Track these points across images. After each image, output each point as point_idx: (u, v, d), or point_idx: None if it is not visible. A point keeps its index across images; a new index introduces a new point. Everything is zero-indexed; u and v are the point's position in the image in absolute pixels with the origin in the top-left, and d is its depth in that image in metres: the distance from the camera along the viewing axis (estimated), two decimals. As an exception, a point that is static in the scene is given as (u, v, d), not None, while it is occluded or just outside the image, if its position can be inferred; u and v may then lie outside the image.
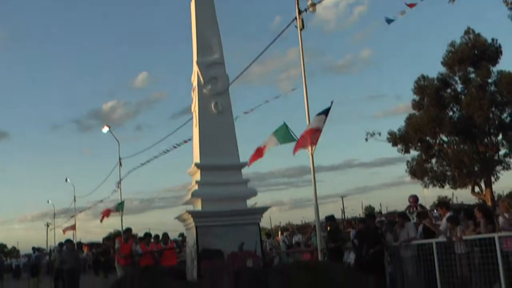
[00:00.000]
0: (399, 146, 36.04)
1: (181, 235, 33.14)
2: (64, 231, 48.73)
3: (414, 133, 34.63)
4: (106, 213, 35.27)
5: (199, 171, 12.67)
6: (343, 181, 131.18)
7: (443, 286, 12.37)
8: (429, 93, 34.87)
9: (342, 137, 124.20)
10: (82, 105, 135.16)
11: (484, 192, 34.35)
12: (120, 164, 34.46)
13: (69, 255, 19.27)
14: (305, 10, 15.22)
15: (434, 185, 36.07)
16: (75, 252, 21.41)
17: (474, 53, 34.34)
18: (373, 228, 14.96)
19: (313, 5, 14.98)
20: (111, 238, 60.36)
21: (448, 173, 35.66)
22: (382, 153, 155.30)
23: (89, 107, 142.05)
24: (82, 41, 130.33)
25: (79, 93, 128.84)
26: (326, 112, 15.57)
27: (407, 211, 16.98)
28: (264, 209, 12.83)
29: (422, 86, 35.42)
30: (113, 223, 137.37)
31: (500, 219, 11.64)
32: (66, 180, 54.59)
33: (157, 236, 18.67)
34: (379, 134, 36.26)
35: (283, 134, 16.76)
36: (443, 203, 15.88)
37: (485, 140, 34.75)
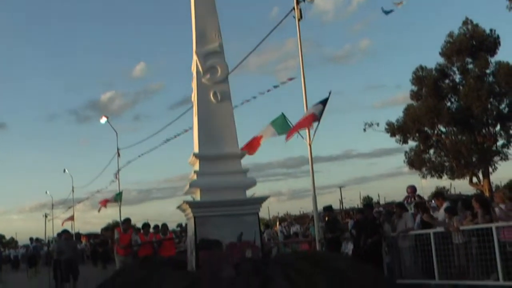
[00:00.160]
0: (397, 137, 36.08)
1: (179, 225, 33.21)
2: (62, 223, 48.86)
3: (412, 123, 34.65)
4: (104, 203, 35.33)
5: (198, 161, 12.66)
6: (341, 172, 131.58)
7: (440, 276, 12.42)
8: (427, 84, 34.85)
9: (341, 127, 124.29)
10: (80, 95, 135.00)
11: (482, 183, 34.43)
12: (118, 155, 34.49)
13: (66, 246, 19.25)
14: (303, 0, 15.20)
15: (432, 176, 36.14)
16: (72, 242, 21.37)
17: (473, 43, 34.30)
18: (371, 218, 15.00)
19: (311, -5, 14.94)
20: (109, 228, 60.42)
21: (446, 163, 35.70)
22: (380, 143, 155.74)
23: (87, 97, 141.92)
24: (80, 32, 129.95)
25: (76, 84, 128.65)
26: (324, 102, 15.59)
27: (405, 202, 17.03)
28: (263, 198, 12.76)
29: (420, 77, 35.41)
30: (112, 214, 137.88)
31: (497, 209, 11.67)
32: (64, 171, 54.66)
33: (156, 226, 18.66)
34: (377, 124, 36.33)
35: (281, 124, 16.77)
36: (439, 194, 15.93)
37: (483, 130, 34.77)
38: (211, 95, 12.83)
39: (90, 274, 24.50)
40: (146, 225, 18.23)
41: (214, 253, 11.79)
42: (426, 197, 18.82)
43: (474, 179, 35.03)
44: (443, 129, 35.84)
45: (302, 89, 16.09)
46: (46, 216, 62.60)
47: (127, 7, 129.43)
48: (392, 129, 35.86)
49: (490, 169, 34.93)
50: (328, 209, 17.66)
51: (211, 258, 11.70)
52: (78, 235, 49.67)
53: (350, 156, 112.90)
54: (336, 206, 42.28)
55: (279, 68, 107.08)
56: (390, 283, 11.85)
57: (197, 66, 13.00)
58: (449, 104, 35.40)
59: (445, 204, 13.67)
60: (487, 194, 30.47)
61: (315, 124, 15.47)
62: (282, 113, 16.96)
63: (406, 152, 36.89)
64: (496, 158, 34.94)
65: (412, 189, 18.21)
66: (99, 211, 36.75)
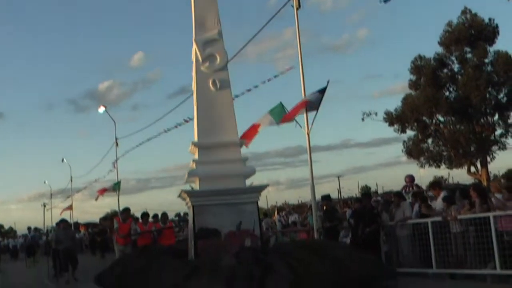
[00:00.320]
0: (396, 126, 36.05)
1: (177, 215, 33.25)
2: (61, 212, 48.86)
3: (410, 113, 34.62)
4: (102, 192, 35.38)
5: (197, 150, 12.64)
6: (339, 161, 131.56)
7: (438, 265, 12.47)
8: (426, 73, 34.80)
9: (339, 117, 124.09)
10: (77, 85, 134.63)
11: (480, 172, 34.46)
12: (117, 144, 34.53)
13: (64, 235, 19.27)
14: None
15: (430, 165, 36.14)
16: (71, 232, 21.38)
17: (471, 33, 34.23)
18: (369, 207, 15.04)
19: (310, -16, 14.90)
20: (108, 218, 60.42)
21: (444, 153, 35.72)
22: (379, 133, 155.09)
23: (84, 87, 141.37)
24: (78, 21, 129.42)
25: (74, 73, 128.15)
26: (322, 91, 15.62)
27: (403, 191, 17.03)
28: (262, 187, 12.72)
29: (419, 66, 35.35)
30: (110, 203, 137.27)
31: (493, 199, 11.70)
32: (63, 160, 54.65)
33: (155, 216, 18.66)
34: (376, 114, 36.26)
35: (279, 113, 16.78)
36: (436, 183, 15.96)
37: (482, 120, 34.77)
38: (210, 83, 12.81)
39: (89, 264, 24.54)
40: (145, 215, 18.18)
41: (212, 242, 11.81)
42: (424, 187, 18.85)
43: (472, 169, 35.06)
44: (441, 119, 35.85)
45: (301, 78, 16.10)
46: (44, 206, 62.66)
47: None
48: (391, 119, 35.84)
49: (488, 159, 34.95)
50: (326, 198, 17.67)
51: (210, 247, 11.72)
52: (77, 224, 49.59)
53: (348, 146, 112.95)
54: (334, 195, 42.36)
55: (278, 57, 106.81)
56: (388, 271, 11.89)
57: (196, 54, 12.97)
58: (447, 93, 35.36)
59: (442, 194, 13.70)
60: (485, 183, 30.49)
61: (309, 110, 15.51)
62: (280, 102, 16.99)
63: (404, 141, 36.93)
64: (494, 148, 34.95)
65: (410, 179, 18.20)
66: (96, 199, 36.91)
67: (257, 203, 12.44)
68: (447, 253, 12.33)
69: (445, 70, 35.39)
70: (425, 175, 64.08)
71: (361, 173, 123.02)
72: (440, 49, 35.46)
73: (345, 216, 18.13)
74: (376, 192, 38.62)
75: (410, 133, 36.41)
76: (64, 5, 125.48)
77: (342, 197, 54.09)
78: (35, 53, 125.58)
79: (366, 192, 32.32)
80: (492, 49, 34.31)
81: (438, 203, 13.51)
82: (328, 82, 15.73)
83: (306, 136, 15.86)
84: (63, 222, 20.98)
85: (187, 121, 20.99)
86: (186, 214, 33.41)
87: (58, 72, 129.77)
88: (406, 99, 35.57)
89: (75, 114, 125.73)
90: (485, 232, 11.27)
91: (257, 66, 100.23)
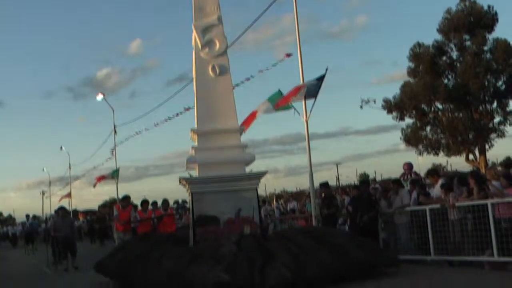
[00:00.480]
0: (394, 114, 35.99)
1: (176, 202, 33.33)
2: (59, 200, 48.92)
3: (409, 100, 34.56)
4: (100, 179, 35.40)
5: (197, 136, 12.59)
6: (337, 149, 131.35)
7: (436, 252, 12.51)
8: (425, 61, 34.72)
9: (337, 104, 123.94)
10: (75, 72, 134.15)
11: (478, 160, 34.48)
12: (115, 132, 34.54)
13: (63, 223, 19.26)
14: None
15: (428, 153, 36.14)
16: (69, 219, 21.36)
17: (470, 20, 34.11)
18: (367, 194, 15.06)
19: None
20: (106, 205, 60.54)
21: (443, 140, 35.70)
22: (377, 120, 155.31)
23: (83, 74, 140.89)
24: (76, 7, 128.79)
25: (72, 61, 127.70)
26: (321, 79, 15.59)
27: (402, 179, 17.05)
28: (262, 174, 12.62)
29: (418, 54, 35.24)
30: (109, 191, 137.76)
31: (491, 186, 11.72)
32: (61, 148, 54.68)
33: (154, 203, 18.64)
34: (374, 101, 36.15)
35: (277, 100, 16.77)
36: (433, 171, 15.96)
37: (480, 108, 34.74)
38: (210, 69, 12.75)
39: (88, 251, 24.64)
40: (145, 202, 18.03)
41: (211, 229, 11.79)
42: (422, 174, 18.85)
43: (471, 156, 35.06)
44: (440, 106, 35.79)
45: (299, 65, 16.08)
46: (43, 193, 62.86)
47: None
48: (389, 106, 35.78)
49: (487, 146, 34.95)
50: (325, 185, 17.68)
51: (209, 234, 11.72)
52: (76, 212, 49.74)
53: (346, 133, 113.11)
54: (332, 183, 42.44)
55: (276, 44, 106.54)
56: (390, 258, 11.89)
57: (195, 40, 12.91)
58: (446, 81, 35.28)
59: (440, 181, 13.72)
60: (483, 171, 30.52)
61: (307, 98, 15.50)
62: (279, 90, 16.97)
63: (402, 129, 36.88)
64: (492, 135, 34.96)
65: (409, 166, 18.23)
66: (94, 186, 36.92)
67: (256, 190, 12.37)
68: (445, 240, 12.37)
69: (444, 58, 35.31)
70: (423, 162, 63.90)
71: (359, 161, 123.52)
72: (439, 37, 35.38)
73: (343, 204, 18.17)
74: (374, 179, 38.69)
75: (408, 120, 36.40)
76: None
77: (340, 184, 54.20)
78: (33, 40, 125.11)
79: (364, 179, 32.34)
80: (491, 36, 34.23)
81: (436, 191, 13.54)
82: (326, 69, 15.73)
83: (305, 123, 15.87)
84: (61, 209, 20.95)
85: (187, 109, 20.97)
86: (184, 201, 33.56)
87: (57, 60, 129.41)
88: (404, 87, 35.50)
89: (73, 101, 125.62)
90: (483, 219, 11.30)
91: (255, 54, 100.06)
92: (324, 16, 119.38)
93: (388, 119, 39.20)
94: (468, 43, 34.44)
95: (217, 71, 12.72)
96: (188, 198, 13.58)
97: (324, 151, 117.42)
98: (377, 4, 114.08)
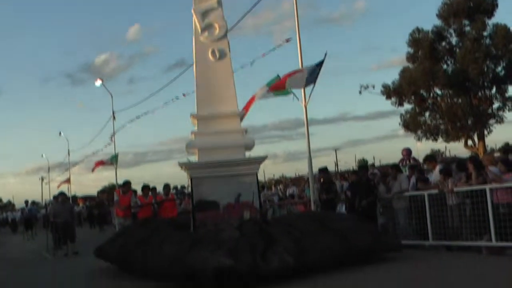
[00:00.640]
0: (393, 99, 35.96)
1: (175, 188, 33.39)
2: (58, 185, 49.01)
3: (408, 86, 34.52)
4: (99, 164, 35.44)
5: (196, 121, 12.56)
6: (336, 134, 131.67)
7: (434, 237, 12.57)
8: (424, 46, 34.65)
9: (336, 90, 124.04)
10: (74, 58, 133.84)
11: (477, 146, 34.52)
12: (114, 118, 34.53)
13: (62, 208, 19.32)
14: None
15: (427, 138, 36.16)
16: (68, 205, 21.42)
17: (470, 5, 34.00)
18: (365, 179, 15.10)
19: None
20: (105, 191, 60.68)
21: (442, 126, 35.70)
22: (376, 106, 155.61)
23: (81, 60, 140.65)
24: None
25: (70, 46, 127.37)
26: (320, 64, 15.58)
27: (400, 164, 17.07)
28: (261, 158, 12.54)
29: (417, 39, 35.15)
30: (108, 176, 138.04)
31: (489, 172, 11.75)
32: (60, 134, 54.70)
33: (154, 189, 18.67)
34: (373, 87, 36.14)
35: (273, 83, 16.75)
36: (431, 157, 15.97)
37: (479, 93, 34.73)
38: (209, 53, 12.69)
39: (87, 236, 24.73)
40: (145, 187, 17.94)
41: (210, 214, 11.80)
42: (421, 160, 18.86)
43: (469, 142, 35.11)
44: (439, 92, 35.77)
45: (298, 51, 16.07)
46: (42, 179, 62.98)
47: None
48: (388, 92, 35.75)
49: (485, 132, 34.98)
50: (323, 170, 17.70)
51: (208, 219, 11.73)
52: (75, 197, 49.82)
53: (345, 119, 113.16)
54: (331, 168, 42.51)
55: (275, 29, 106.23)
56: (392, 243, 11.90)
57: (195, 24, 12.86)
58: (445, 66, 35.23)
59: (439, 166, 13.75)
60: (482, 157, 30.58)
61: (306, 84, 15.49)
62: (278, 75, 16.95)
63: (401, 114, 36.86)
64: (491, 121, 34.98)
65: (407, 152, 18.24)
66: (92, 171, 36.98)
67: (256, 174, 12.33)
68: (443, 225, 12.42)
69: (443, 43, 35.23)
70: (422, 148, 64.23)
71: (358, 146, 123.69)
72: (438, 22, 35.30)
73: (342, 189, 18.22)
74: (373, 165, 38.77)
75: (407, 106, 36.39)
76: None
77: (339, 170, 54.35)
78: (31, 26, 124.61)
79: (363, 165, 32.38)
80: (490, 22, 34.16)
81: (434, 176, 13.58)
82: (325, 55, 15.70)
83: (304, 109, 15.88)
84: (61, 195, 21.03)
85: (184, 95, 20.96)
86: (183, 187, 33.66)
87: (55, 46, 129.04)
88: (403, 72, 35.45)
89: (71, 87, 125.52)
90: (481, 204, 11.35)
91: (254, 39, 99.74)
92: (323, 1, 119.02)
93: (387, 104, 39.27)
94: (467, 28, 34.36)
95: (217, 55, 12.67)
96: (187, 183, 13.60)
97: (323, 136, 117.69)
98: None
